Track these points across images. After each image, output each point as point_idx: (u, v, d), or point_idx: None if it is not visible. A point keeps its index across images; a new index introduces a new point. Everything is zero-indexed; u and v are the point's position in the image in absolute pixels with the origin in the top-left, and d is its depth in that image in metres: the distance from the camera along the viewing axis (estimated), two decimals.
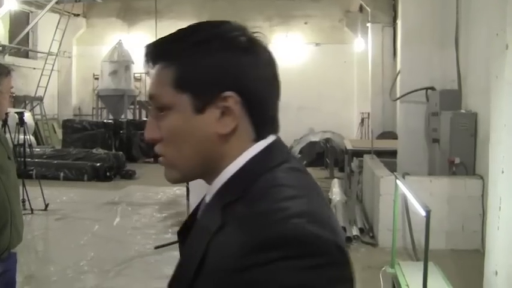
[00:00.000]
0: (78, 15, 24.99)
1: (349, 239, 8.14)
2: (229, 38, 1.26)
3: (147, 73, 1.34)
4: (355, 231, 8.51)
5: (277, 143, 1.31)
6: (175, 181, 1.33)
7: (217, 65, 1.23)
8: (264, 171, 1.22)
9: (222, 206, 1.19)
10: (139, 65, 22.98)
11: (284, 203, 1.12)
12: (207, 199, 1.30)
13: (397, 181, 5.62)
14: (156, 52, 1.30)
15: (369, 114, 20.14)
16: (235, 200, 1.18)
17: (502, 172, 4.79)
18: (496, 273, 4.79)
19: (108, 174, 15.33)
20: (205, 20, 1.33)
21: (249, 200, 1.15)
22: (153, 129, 1.30)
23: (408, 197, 5.20)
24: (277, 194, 1.15)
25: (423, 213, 4.12)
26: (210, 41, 1.25)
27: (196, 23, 1.32)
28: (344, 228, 8.29)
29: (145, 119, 23.03)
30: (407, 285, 4.93)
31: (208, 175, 1.30)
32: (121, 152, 16.95)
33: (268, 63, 1.33)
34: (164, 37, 1.31)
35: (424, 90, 9.95)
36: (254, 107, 1.26)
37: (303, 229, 1.07)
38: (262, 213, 1.10)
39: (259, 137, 1.28)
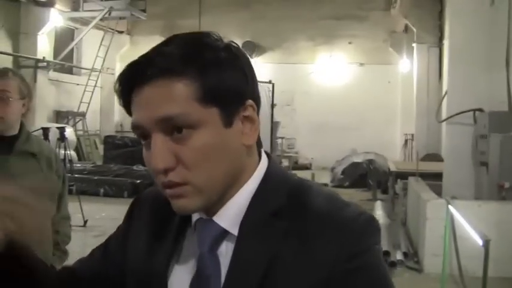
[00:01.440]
0: (122, 32, 25.26)
1: (393, 264, 7.92)
2: (237, 46, 1.24)
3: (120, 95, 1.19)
4: (399, 256, 8.28)
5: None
6: (197, 209, 1.20)
7: (239, 74, 1.19)
8: (289, 176, 1.29)
9: (271, 212, 1.19)
10: None
11: (339, 200, 1.23)
12: (226, 214, 1.22)
13: (449, 206, 5.40)
14: (164, 67, 1.13)
15: (412, 135, 19.89)
16: (286, 204, 1.20)
17: None
18: None
19: None
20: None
21: (307, 202, 1.20)
22: (167, 156, 1.13)
23: (461, 222, 4.99)
24: (325, 192, 1.25)
25: (480, 243, 3.91)
26: (220, 50, 1.18)
27: (177, 36, 1.23)
28: (388, 253, 8.09)
29: None
30: None
31: (226, 192, 1.22)
32: None
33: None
34: (161, 52, 1.16)
35: (472, 112, 9.70)
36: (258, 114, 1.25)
37: (374, 219, 1.21)
38: (337, 212, 1.18)
39: (259, 145, 1.29)
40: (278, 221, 1.18)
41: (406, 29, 20.86)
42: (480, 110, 9.57)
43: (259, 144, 1.28)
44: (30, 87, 3.31)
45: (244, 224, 1.20)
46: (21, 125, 3.20)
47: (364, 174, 17.88)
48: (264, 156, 1.30)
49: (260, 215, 1.20)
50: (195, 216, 1.26)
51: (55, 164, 3.27)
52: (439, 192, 8.71)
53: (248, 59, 1.25)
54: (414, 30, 19.17)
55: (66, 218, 3.40)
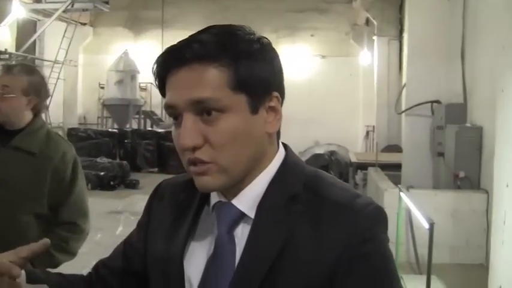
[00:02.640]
0: (85, 24, 25.08)
1: None
2: (268, 41, 1.33)
3: (156, 75, 1.29)
4: None
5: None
6: (219, 188, 1.29)
7: (269, 66, 1.29)
8: (305, 166, 1.38)
9: (288, 197, 1.28)
10: (145, 74, 23.07)
11: (351, 189, 1.33)
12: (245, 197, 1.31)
13: (401, 194, 5.59)
14: (202, 53, 1.22)
15: (374, 127, 20.12)
16: (302, 191, 1.29)
17: (507, 186, 4.76)
18: (499, 282, 4.76)
19: (112, 183, 15.36)
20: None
21: (322, 190, 1.29)
22: (196, 135, 1.22)
23: (412, 210, 5.17)
24: (338, 182, 1.34)
25: (427, 226, 4.10)
26: (253, 42, 1.28)
27: (218, 26, 1.31)
28: None
29: (150, 128, 23.06)
30: None
31: (246, 176, 1.30)
32: (125, 162, 16.97)
33: None
34: (199, 39, 1.25)
35: (430, 104, 9.92)
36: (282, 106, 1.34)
37: (383, 209, 1.29)
38: (352, 199, 1.27)
39: (278, 136, 1.38)
40: (294, 205, 1.26)
41: (368, 21, 21.05)
42: (437, 101, 9.79)
43: (278, 134, 1.37)
44: (42, 86, 3.32)
45: (261, 208, 1.28)
46: (30, 122, 3.22)
47: (326, 166, 18.03)
48: (281, 146, 1.39)
49: (277, 199, 1.28)
50: (213, 199, 1.35)
51: (62, 168, 3.23)
52: (398, 183, 8.90)
53: (277, 53, 1.34)
54: (375, 23, 19.36)
55: (68, 224, 3.29)
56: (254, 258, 1.24)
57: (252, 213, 1.28)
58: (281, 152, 1.37)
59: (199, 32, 1.28)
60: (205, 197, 1.37)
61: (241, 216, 1.30)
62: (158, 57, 1.28)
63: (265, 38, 1.32)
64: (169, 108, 1.25)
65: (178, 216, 1.40)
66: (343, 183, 1.36)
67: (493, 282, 4.94)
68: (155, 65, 1.28)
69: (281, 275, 1.22)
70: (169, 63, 1.25)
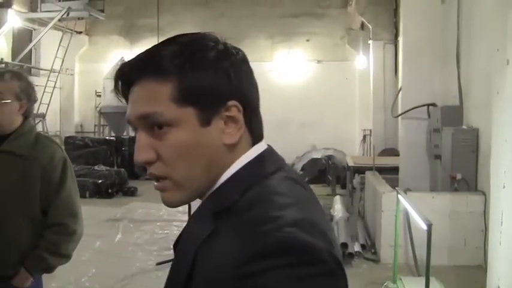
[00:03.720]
0: (80, 32, 25.07)
1: (351, 255, 8.12)
2: (223, 47, 1.27)
3: (119, 92, 1.28)
4: (357, 248, 8.49)
5: (270, 151, 1.33)
6: (180, 203, 1.26)
7: (220, 75, 1.22)
8: (257, 179, 1.21)
9: (213, 214, 1.19)
10: None
11: (277, 211, 1.10)
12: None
13: (399, 196, 5.62)
14: (146, 68, 1.21)
15: (370, 131, 20.14)
16: (227, 207, 1.17)
17: (504, 187, 4.79)
18: (497, 283, 4.79)
19: (109, 191, 15.34)
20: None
21: (243, 208, 1.14)
22: (147, 150, 1.21)
23: (410, 212, 5.20)
24: (271, 202, 1.14)
25: (424, 227, 4.13)
26: (207, 51, 1.24)
27: (173, 37, 1.29)
28: (346, 245, 8.28)
29: None
30: None
31: (211, 188, 1.25)
32: (123, 169, 16.94)
33: (252, 70, 1.33)
34: (150, 52, 1.25)
35: (426, 107, 9.97)
36: (251, 114, 1.28)
37: (295, 238, 1.04)
38: (257, 222, 1.08)
39: (254, 144, 1.30)
40: (214, 222, 1.17)
41: (363, 26, 21.08)
42: (433, 104, 9.84)
43: (257, 139, 1.30)
44: (32, 90, 3.36)
45: (191, 218, 1.32)
46: (20, 126, 3.27)
47: (324, 170, 18.11)
48: (249, 152, 1.27)
49: (205, 212, 1.23)
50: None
51: (51, 169, 3.27)
52: (396, 186, 8.93)
53: (239, 59, 1.28)
54: (370, 27, 19.40)
55: (57, 225, 3.31)
56: (173, 273, 1.28)
57: None
58: (241, 161, 1.25)
59: (156, 44, 1.28)
60: None
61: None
62: (115, 74, 1.29)
63: (228, 44, 1.29)
64: (129, 123, 1.27)
65: None
66: (290, 208, 1.13)
67: (491, 283, 4.97)
68: (114, 83, 1.29)
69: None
70: (123, 81, 1.27)
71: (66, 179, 3.36)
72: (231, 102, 1.23)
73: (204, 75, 1.21)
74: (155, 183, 1.25)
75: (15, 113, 3.23)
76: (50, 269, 3.40)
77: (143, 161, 1.23)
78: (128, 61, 1.26)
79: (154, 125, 1.20)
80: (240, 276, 1.02)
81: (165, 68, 1.20)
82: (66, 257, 3.42)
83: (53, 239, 3.31)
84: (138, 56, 1.26)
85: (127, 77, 1.25)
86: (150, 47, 1.28)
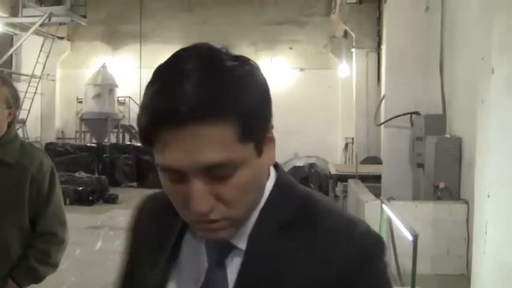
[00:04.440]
0: (62, 38, 24.96)
1: None
2: (257, 67, 1.16)
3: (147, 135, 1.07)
4: None
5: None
6: (231, 237, 1.19)
7: (267, 101, 1.15)
8: (297, 188, 1.27)
9: (279, 227, 1.19)
10: (123, 88, 22.98)
11: (346, 215, 1.24)
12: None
13: (383, 206, 5.58)
14: (209, 108, 1.02)
15: (353, 139, 20.17)
16: (295, 218, 1.20)
17: (488, 196, 4.76)
18: None
19: (90, 198, 15.22)
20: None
21: (317, 217, 1.20)
22: (208, 199, 1.08)
23: (394, 221, 5.16)
24: (333, 207, 1.25)
25: (410, 238, 4.08)
26: (253, 75, 1.12)
27: (207, 61, 1.09)
28: None
29: (128, 143, 22.91)
30: None
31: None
32: (104, 176, 16.85)
33: None
34: (205, 88, 1.03)
35: (409, 115, 9.96)
36: None
37: (380, 236, 1.22)
38: (349, 226, 1.19)
39: None
40: (286, 235, 1.18)
41: (346, 34, 21.15)
42: (416, 113, 9.83)
43: None
44: (18, 97, 3.28)
45: (252, 239, 1.19)
46: (5, 133, 3.16)
47: (306, 178, 18.08)
48: (272, 169, 1.27)
49: (268, 230, 1.19)
50: None
51: (40, 178, 3.18)
52: (378, 194, 8.91)
53: (260, 71, 1.17)
54: (353, 35, 19.44)
55: (48, 234, 3.24)
56: None
57: (242, 245, 1.20)
58: (272, 176, 1.26)
59: (181, 80, 1.05)
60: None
61: (232, 247, 1.21)
62: (147, 107, 1.07)
63: (252, 62, 1.16)
64: (170, 171, 1.09)
65: (159, 243, 1.30)
66: (338, 207, 1.30)
67: None
68: (144, 117, 1.07)
69: None
70: (163, 119, 1.03)
71: (55, 187, 3.29)
72: (271, 124, 1.17)
73: (259, 104, 1.11)
74: (202, 225, 1.13)
75: (4, 121, 3.15)
76: (39, 279, 3.32)
77: (207, 212, 1.09)
78: (170, 94, 1.03)
79: (219, 171, 1.07)
80: (362, 277, 1.15)
81: (229, 105, 1.04)
82: (55, 266, 3.35)
83: (43, 248, 3.23)
84: (183, 89, 1.03)
85: (178, 114, 1.02)
86: (187, 81, 1.05)
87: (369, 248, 1.16)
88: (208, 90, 1.03)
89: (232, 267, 1.21)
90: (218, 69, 1.07)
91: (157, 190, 1.42)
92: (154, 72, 1.11)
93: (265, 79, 1.16)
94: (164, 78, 1.07)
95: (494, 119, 4.74)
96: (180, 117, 1.01)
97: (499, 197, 4.71)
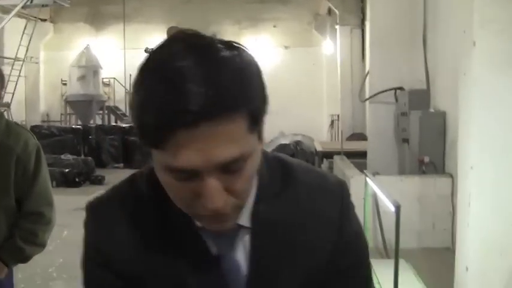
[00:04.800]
0: (45, 20, 24.74)
1: None
2: (248, 51, 1.14)
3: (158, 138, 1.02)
4: None
5: None
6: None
7: (265, 86, 1.13)
8: (271, 157, 1.34)
9: (274, 196, 1.27)
10: (107, 69, 22.87)
11: (314, 168, 1.41)
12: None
13: (367, 179, 5.61)
14: (223, 104, 0.99)
15: (338, 116, 20.21)
16: (282, 186, 1.28)
17: (471, 168, 4.80)
18: (467, 269, 4.80)
19: (77, 180, 15.21)
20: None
21: (299, 181, 1.30)
22: (222, 194, 1.06)
23: (378, 195, 5.19)
24: (302, 166, 1.36)
25: (393, 209, 4.11)
26: (252, 64, 1.10)
27: (207, 51, 1.04)
28: None
29: (114, 124, 22.85)
30: (379, 283, 4.93)
31: None
32: (90, 158, 16.85)
33: None
34: (214, 85, 0.99)
35: (393, 91, 9.98)
36: None
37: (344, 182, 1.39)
38: (325, 179, 1.36)
39: None
40: (281, 203, 1.26)
41: (330, 11, 21.11)
42: (401, 88, 9.85)
43: None
44: (3, 76, 3.29)
45: (256, 216, 1.23)
46: None
47: (292, 155, 17.92)
48: None
49: (267, 203, 1.24)
50: None
51: (25, 158, 3.18)
52: (364, 170, 8.94)
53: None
54: (337, 12, 19.41)
55: (34, 214, 3.24)
56: (266, 268, 1.25)
57: (246, 222, 1.22)
58: None
59: (182, 78, 0.99)
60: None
61: (239, 227, 1.22)
62: (150, 113, 1.01)
63: (238, 44, 1.12)
64: (183, 172, 1.04)
65: (158, 241, 1.23)
66: (306, 164, 1.39)
67: (459, 264, 5.00)
68: (152, 119, 1.01)
69: (294, 270, 1.27)
70: (173, 125, 0.99)
71: (41, 167, 3.28)
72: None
73: (261, 91, 1.10)
74: (213, 217, 1.10)
75: None
76: (26, 259, 3.33)
77: (221, 207, 1.07)
78: (182, 97, 0.98)
79: (233, 165, 1.05)
80: (346, 217, 1.34)
81: (238, 99, 1.02)
82: (42, 246, 3.36)
83: (30, 228, 3.24)
84: (191, 91, 0.98)
85: (191, 114, 0.98)
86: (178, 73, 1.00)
87: (345, 191, 1.35)
88: (214, 86, 0.99)
89: (241, 247, 1.24)
90: (217, 62, 1.02)
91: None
92: (145, 68, 1.06)
93: (257, 63, 1.13)
94: (161, 76, 1.01)
95: (476, 91, 4.77)
96: (192, 118, 0.97)
97: (481, 169, 4.75)
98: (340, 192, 1.33)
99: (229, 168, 1.04)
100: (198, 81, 0.98)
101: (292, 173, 1.30)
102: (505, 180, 4.67)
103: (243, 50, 1.10)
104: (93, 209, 1.33)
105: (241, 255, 1.24)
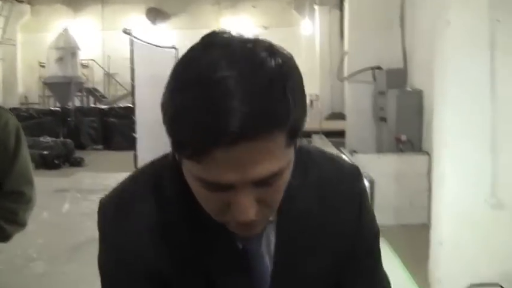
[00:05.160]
0: (22, 1, 24.52)
1: None
2: (291, 56, 1.08)
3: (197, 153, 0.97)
4: None
5: None
6: None
7: (306, 96, 1.09)
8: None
9: (295, 186, 1.21)
10: (86, 51, 22.72)
11: (329, 153, 1.41)
12: None
13: (345, 158, 5.67)
14: (262, 127, 0.94)
15: (317, 96, 20.24)
16: (306, 177, 1.27)
17: (446, 147, 4.88)
18: (441, 243, 4.90)
19: (56, 162, 15.14)
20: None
21: (319, 170, 1.30)
22: (254, 206, 1.03)
23: None
24: (319, 152, 1.37)
25: (367, 184, 4.18)
26: (294, 73, 1.04)
27: (251, 53, 0.99)
28: None
29: (93, 105, 22.76)
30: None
31: None
32: (69, 140, 16.75)
33: None
34: (260, 101, 0.94)
35: (371, 70, 10.04)
36: None
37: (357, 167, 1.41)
38: (342, 166, 1.37)
39: None
40: (301, 194, 1.24)
41: None
42: (378, 68, 9.91)
43: None
44: None
45: (279, 209, 1.17)
46: None
47: None
48: None
49: (290, 196, 1.17)
50: None
51: (4, 137, 3.11)
52: (340, 148, 9.02)
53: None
54: None
55: (15, 193, 3.18)
56: (291, 260, 1.25)
57: (272, 217, 1.20)
58: None
59: (224, 92, 0.93)
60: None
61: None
62: (187, 128, 0.96)
63: (279, 48, 1.07)
64: (220, 187, 1.01)
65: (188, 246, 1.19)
66: (322, 150, 1.40)
67: (434, 239, 5.09)
68: (185, 135, 0.97)
69: (318, 261, 1.28)
70: (212, 143, 0.94)
71: (21, 146, 3.26)
72: None
73: (304, 104, 1.06)
74: (244, 226, 1.08)
75: None
76: (6, 238, 3.33)
77: (254, 220, 1.04)
78: (223, 115, 0.93)
79: (269, 179, 1.02)
80: (364, 200, 1.37)
81: (280, 116, 0.97)
82: (23, 225, 3.35)
83: (10, 208, 3.22)
84: (234, 108, 0.93)
85: (233, 137, 0.93)
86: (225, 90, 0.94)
87: (360, 175, 1.38)
88: (258, 105, 0.93)
89: (265, 239, 1.23)
90: (261, 74, 0.96)
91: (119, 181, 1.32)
92: (182, 73, 1.01)
93: (299, 70, 1.07)
94: (202, 88, 0.95)
95: (450, 70, 4.83)
96: (232, 138, 0.93)
97: (456, 147, 4.83)
98: (357, 177, 1.36)
99: (265, 182, 1.01)
100: (241, 98, 0.92)
101: (311, 162, 1.29)
102: (478, 158, 4.76)
103: (286, 56, 1.04)
104: (112, 208, 1.24)
105: (264, 248, 1.23)
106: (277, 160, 1.00)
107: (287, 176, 1.06)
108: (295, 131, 1.01)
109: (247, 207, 1.02)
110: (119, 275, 1.21)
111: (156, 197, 1.20)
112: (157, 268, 1.18)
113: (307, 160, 1.28)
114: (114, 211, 1.23)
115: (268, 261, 1.23)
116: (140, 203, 1.20)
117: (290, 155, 1.05)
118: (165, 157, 1.23)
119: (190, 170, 1.03)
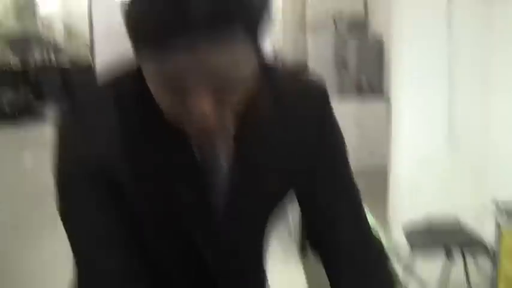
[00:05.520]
0: None
1: None
2: None
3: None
4: None
5: None
6: None
7: None
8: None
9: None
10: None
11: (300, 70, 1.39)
12: None
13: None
14: (230, 11, 0.92)
15: (280, 49, 20.10)
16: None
17: (404, 92, 4.94)
18: (399, 186, 5.01)
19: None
20: None
21: (281, 81, 1.30)
22: (213, 108, 1.00)
23: None
24: (289, 68, 1.37)
25: None
26: None
27: None
28: None
29: None
30: None
31: None
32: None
33: None
34: None
35: (332, 20, 10.03)
36: None
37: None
38: (305, 81, 1.38)
39: None
40: (268, 110, 1.23)
41: None
42: (340, 17, 9.91)
43: None
44: None
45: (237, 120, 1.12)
46: None
47: None
48: None
49: (252, 110, 1.14)
50: None
51: None
52: None
53: None
54: None
55: None
56: (249, 169, 1.23)
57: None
58: None
59: None
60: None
61: None
62: (157, 16, 0.92)
63: None
64: (177, 80, 0.98)
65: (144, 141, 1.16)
66: (287, 66, 1.39)
67: (393, 185, 5.19)
68: (150, 24, 0.93)
69: (278, 170, 1.27)
70: (177, 29, 0.91)
71: None
72: None
73: (263, 1, 1.00)
74: (200, 129, 1.04)
75: None
76: None
77: (211, 118, 1.01)
78: (185, 5, 0.89)
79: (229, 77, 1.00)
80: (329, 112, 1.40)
81: (244, 6, 0.94)
82: None
83: None
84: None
85: (195, 25, 0.90)
86: None
87: (327, 96, 1.40)
88: None
89: (223, 154, 1.21)
90: None
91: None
92: None
93: None
94: None
95: (407, 13, 4.86)
96: (191, 26, 0.90)
97: (413, 92, 4.89)
98: (323, 93, 1.36)
99: (225, 82, 0.98)
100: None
101: (276, 76, 1.27)
102: (436, 101, 4.82)
103: None
104: (68, 121, 1.19)
105: (223, 162, 1.21)
106: (239, 60, 0.96)
107: (249, 81, 1.02)
108: (256, 26, 0.96)
109: (205, 108, 0.98)
110: (72, 171, 1.16)
111: (116, 99, 1.15)
112: (111, 166, 1.14)
113: (272, 74, 1.25)
114: (72, 113, 1.18)
115: (226, 175, 1.21)
116: (99, 103, 1.18)
117: (252, 57, 1.00)
118: (126, 67, 1.19)
119: (149, 69, 0.99)
